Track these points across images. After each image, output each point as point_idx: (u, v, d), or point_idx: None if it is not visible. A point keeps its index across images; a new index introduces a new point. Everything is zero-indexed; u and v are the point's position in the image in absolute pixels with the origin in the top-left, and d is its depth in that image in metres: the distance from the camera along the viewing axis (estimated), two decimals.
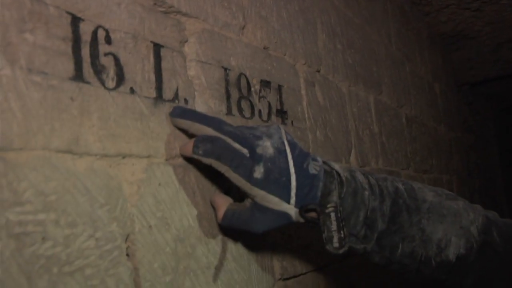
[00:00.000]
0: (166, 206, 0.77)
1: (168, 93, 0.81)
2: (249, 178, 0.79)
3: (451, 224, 0.95)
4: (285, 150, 0.84)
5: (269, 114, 1.09)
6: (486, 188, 4.11)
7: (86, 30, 0.67)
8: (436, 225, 0.94)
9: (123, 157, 0.70)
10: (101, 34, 0.69)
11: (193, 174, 0.85)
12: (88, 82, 0.66)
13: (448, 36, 2.99)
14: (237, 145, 0.80)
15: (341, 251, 0.89)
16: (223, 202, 0.88)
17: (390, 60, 2.03)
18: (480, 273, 0.95)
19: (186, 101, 0.85)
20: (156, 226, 0.74)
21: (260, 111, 1.06)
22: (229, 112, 0.96)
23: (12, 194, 0.55)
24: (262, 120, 1.06)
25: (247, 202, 0.85)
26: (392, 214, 0.93)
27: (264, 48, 1.13)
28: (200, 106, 0.88)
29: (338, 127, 1.45)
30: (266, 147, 0.82)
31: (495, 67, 3.57)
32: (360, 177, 0.93)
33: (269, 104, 1.10)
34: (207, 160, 0.79)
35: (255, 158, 0.80)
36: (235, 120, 0.97)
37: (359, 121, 1.61)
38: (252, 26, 1.09)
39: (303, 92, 1.28)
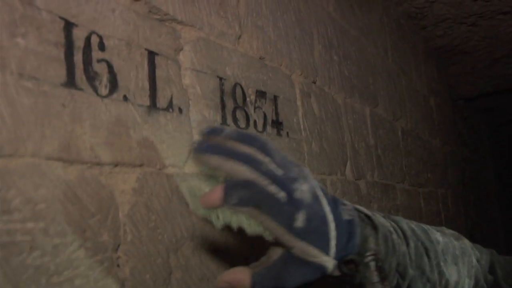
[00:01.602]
0: (158, 216, 0.75)
1: (162, 102, 0.80)
2: (290, 227, 0.70)
3: (463, 265, 0.94)
4: (319, 195, 0.74)
5: (264, 124, 1.08)
6: (481, 202, 4.11)
7: (79, 36, 0.66)
8: (452, 267, 0.91)
9: (115, 166, 0.69)
10: (94, 40, 0.68)
11: (187, 184, 0.84)
12: (80, 89, 0.65)
13: (444, 51, 3.00)
14: (273, 188, 0.69)
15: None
16: (242, 272, 0.75)
17: (386, 72, 2.03)
18: None
19: (180, 110, 0.84)
20: (148, 236, 0.73)
21: (255, 121, 1.05)
22: (223, 122, 0.95)
23: (0, 202, 0.53)
24: (258, 131, 1.05)
25: (274, 254, 0.75)
26: (417, 258, 0.88)
27: (260, 58, 1.12)
28: (194, 115, 0.87)
29: (333, 139, 1.45)
30: (304, 191, 0.71)
31: (490, 82, 3.58)
32: (384, 221, 0.85)
33: (265, 114, 1.09)
34: (243, 210, 0.69)
35: (295, 204, 0.70)
36: None
37: (354, 133, 1.61)
38: (248, 35, 1.09)
39: (298, 103, 1.27)
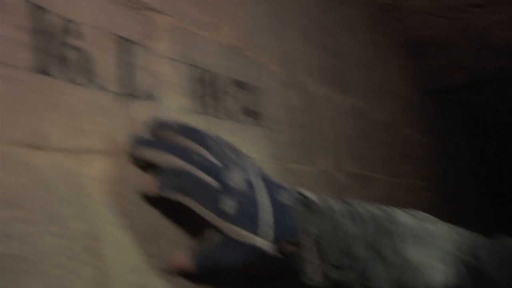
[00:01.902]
0: (134, 204, 0.75)
1: (136, 90, 0.79)
2: (222, 214, 0.76)
3: (435, 248, 0.91)
4: (255, 181, 0.81)
5: (241, 114, 1.08)
6: (458, 195, 4.17)
7: (50, 21, 0.65)
8: (420, 251, 0.89)
9: (89, 153, 0.68)
10: (66, 26, 0.67)
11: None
12: (52, 75, 0.63)
13: (420, 43, 3.03)
14: (206, 177, 0.76)
15: (324, 284, 0.85)
16: (184, 256, 0.81)
17: (364, 65, 2.04)
18: None
19: (155, 98, 0.83)
20: (125, 224, 0.72)
21: (232, 111, 1.04)
22: (200, 111, 0.94)
23: None
24: (235, 120, 1.05)
25: (215, 237, 0.80)
26: (374, 241, 0.90)
27: (237, 48, 1.12)
28: (169, 104, 0.86)
29: (311, 130, 1.45)
30: (237, 178, 0.78)
31: (466, 74, 3.61)
32: (336, 204, 0.89)
33: (242, 104, 1.08)
34: (175, 197, 0.75)
35: (227, 191, 0.76)
36: (207, 120, 0.96)
37: (333, 124, 1.61)
38: (226, 25, 1.08)
39: (276, 93, 1.27)
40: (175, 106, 0.87)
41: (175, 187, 0.74)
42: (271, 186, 0.83)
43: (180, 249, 0.82)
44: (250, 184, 0.79)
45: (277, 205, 0.81)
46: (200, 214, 0.76)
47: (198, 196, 0.75)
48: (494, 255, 0.91)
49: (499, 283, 0.89)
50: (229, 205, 0.76)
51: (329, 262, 0.85)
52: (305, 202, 0.86)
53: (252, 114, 1.12)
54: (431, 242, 0.89)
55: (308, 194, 0.87)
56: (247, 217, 0.78)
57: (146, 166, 0.76)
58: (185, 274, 0.81)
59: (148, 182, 0.74)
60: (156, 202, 0.77)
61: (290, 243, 0.82)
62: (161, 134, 0.77)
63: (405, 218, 0.92)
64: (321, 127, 1.54)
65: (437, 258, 0.88)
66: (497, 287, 0.88)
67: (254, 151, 1.10)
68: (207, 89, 0.97)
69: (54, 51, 0.64)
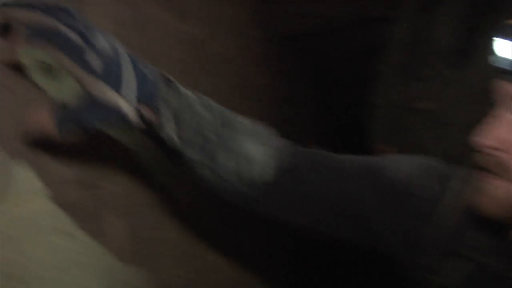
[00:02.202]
0: None
1: None
2: (87, 67, 0.78)
3: (256, 142, 1.03)
4: (120, 49, 0.84)
5: None
6: (299, 141, 4.38)
7: None
8: (255, 145, 1.01)
9: None
10: None
11: None
12: None
13: None
14: (72, 34, 0.77)
15: (180, 145, 0.92)
16: (45, 114, 0.84)
17: None
18: (288, 196, 1.04)
19: None
20: None
21: None
22: None
23: None
24: None
25: (78, 96, 0.82)
26: (223, 130, 0.99)
27: None
28: None
29: (140, 49, 1.43)
30: (103, 42, 0.80)
31: (312, 21, 3.73)
32: (190, 92, 0.97)
33: None
34: (42, 47, 0.75)
35: (92, 49, 0.78)
36: None
37: (165, 48, 1.60)
38: None
39: (104, 5, 1.23)
40: None
41: (41, 39, 0.75)
42: (135, 59, 0.87)
43: (40, 106, 0.82)
44: (115, 50, 0.82)
45: (140, 74, 0.86)
46: (66, 68, 0.78)
47: (65, 49, 0.77)
48: (309, 158, 1.06)
49: (312, 181, 1.03)
50: (94, 61, 0.79)
51: (184, 138, 0.93)
52: (166, 80, 0.92)
53: None
54: (265, 142, 1.03)
55: (169, 76, 0.94)
56: (111, 75, 0.81)
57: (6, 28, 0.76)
58: (46, 134, 0.83)
59: (14, 39, 0.76)
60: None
61: (150, 108, 0.88)
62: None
63: (243, 119, 1.05)
64: (151, 48, 1.52)
65: (269, 155, 1.02)
66: (309, 182, 1.03)
67: None
68: None
69: None
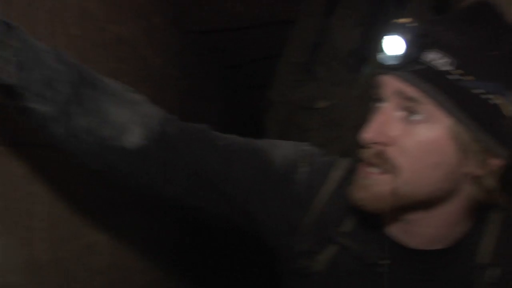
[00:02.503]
0: None
1: None
2: None
3: (132, 111, 0.98)
4: None
5: None
6: None
7: None
8: (115, 107, 0.96)
9: None
10: None
11: None
12: None
13: None
14: None
15: (22, 91, 0.88)
16: None
17: None
18: (160, 165, 1.00)
19: None
20: None
21: None
22: None
23: None
24: None
25: None
26: (79, 86, 0.94)
27: None
28: None
29: (24, 22, 1.37)
30: None
31: (221, 18, 3.74)
32: (39, 42, 0.92)
33: None
34: None
35: None
36: None
37: (52, 16, 1.52)
38: None
39: None
40: None
41: None
42: None
43: None
44: None
45: None
46: None
47: None
48: (184, 129, 1.03)
49: (183, 150, 1.00)
50: None
51: (28, 87, 0.88)
52: (7, 23, 0.87)
53: None
54: (131, 108, 0.98)
55: (12, 23, 0.88)
56: None
57: None
58: None
59: None
60: None
61: None
62: None
63: (111, 81, 1.00)
64: (49, 22, 1.46)
65: (134, 120, 0.97)
66: (180, 151, 1.00)
67: None
68: None
69: None
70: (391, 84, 0.84)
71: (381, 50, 0.83)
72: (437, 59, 0.79)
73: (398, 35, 0.81)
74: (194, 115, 4.02)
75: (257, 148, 1.05)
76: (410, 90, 0.81)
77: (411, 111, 0.83)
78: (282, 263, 1.06)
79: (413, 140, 0.83)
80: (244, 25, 3.90)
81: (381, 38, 0.84)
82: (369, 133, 0.84)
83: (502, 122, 0.82)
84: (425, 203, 0.88)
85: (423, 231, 0.92)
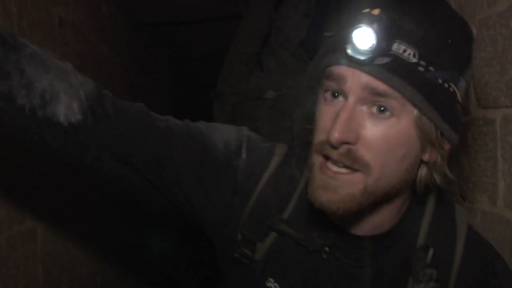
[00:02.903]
0: None
1: None
2: None
3: (59, 79, 0.89)
4: None
5: None
6: None
7: None
8: (40, 73, 0.87)
9: None
10: None
11: None
12: None
13: None
14: None
15: None
16: None
17: None
18: (96, 143, 0.92)
19: None
20: None
21: None
22: None
23: None
24: None
25: None
26: (17, 58, 0.85)
27: None
28: None
29: None
30: None
31: (172, 10, 3.70)
32: None
33: None
34: None
35: None
36: None
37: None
38: None
39: None
40: None
41: None
42: None
43: None
44: None
45: None
46: None
47: None
48: (116, 104, 0.96)
49: (121, 128, 0.94)
50: None
51: None
52: None
53: None
54: (55, 72, 0.90)
55: None
56: None
57: None
58: None
59: None
60: None
61: None
62: None
63: (39, 49, 0.91)
64: None
65: (60, 88, 0.89)
66: (118, 130, 0.94)
67: None
68: None
69: None
70: (357, 78, 0.80)
71: (349, 42, 0.79)
72: (403, 51, 0.78)
73: (368, 27, 0.77)
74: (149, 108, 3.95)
75: (197, 132, 1.00)
76: (379, 85, 0.79)
77: (379, 106, 0.80)
78: (223, 252, 1.03)
79: (382, 135, 0.81)
80: (195, 19, 3.88)
81: (349, 29, 0.79)
82: (338, 133, 0.80)
83: (456, 108, 0.83)
84: (386, 196, 0.88)
85: (370, 220, 0.92)
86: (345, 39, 0.80)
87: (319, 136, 0.85)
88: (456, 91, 0.83)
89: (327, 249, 0.93)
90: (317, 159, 0.85)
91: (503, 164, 1.33)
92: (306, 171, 0.93)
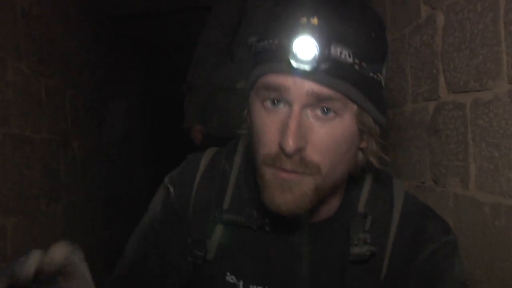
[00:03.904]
0: None
1: None
2: None
3: None
4: None
5: None
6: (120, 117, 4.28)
7: None
8: None
9: None
10: None
11: None
12: None
13: None
14: None
15: None
16: None
17: None
18: None
19: None
20: None
21: None
22: None
23: None
24: None
25: None
26: None
27: None
28: None
29: None
30: None
31: (139, 2, 3.66)
32: None
33: None
34: None
35: None
36: None
37: None
38: None
39: None
40: None
41: None
42: None
43: None
44: None
45: None
46: None
47: None
48: None
49: None
50: None
51: None
52: None
53: None
54: None
55: None
56: None
57: None
58: None
59: None
60: None
61: None
62: None
63: None
64: None
65: None
66: None
67: None
68: None
69: None
70: (300, 85, 0.80)
71: (290, 52, 0.79)
72: (339, 53, 0.80)
73: (310, 36, 0.78)
74: (112, 103, 3.91)
75: (146, 235, 1.04)
76: (324, 90, 0.80)
77: (324, 109, 0.82)
78: (185, 269, 1.04)
79: (329, 136, 0.83)
80: (162, 11, 3.84)
81: (288, 39, 0.79)
82: (293, 143, 0.80)
83: (383, 94, 0.88)
84: (333, 189, 0.90)
85: (317, 211, 0.93)
86: (285, 49, 0.80)
87: (266, 149, 0.85)
88: (382, 79, 0.87)
89: (267, 220, 0.95)
90: (268, 171, 0.85)
91: (473, 147, 1.35)
92: (237, 160, 0.99)
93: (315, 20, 0.80)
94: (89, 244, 2.80)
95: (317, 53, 0.78)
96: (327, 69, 0.79)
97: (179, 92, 2.67)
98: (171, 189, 1.03)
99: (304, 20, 0.80)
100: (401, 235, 0.95)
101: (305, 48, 0.78)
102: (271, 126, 0.84)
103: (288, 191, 0.84)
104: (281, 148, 0.81)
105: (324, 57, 0.79)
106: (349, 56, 0.80)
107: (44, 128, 2.15)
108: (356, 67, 0.81)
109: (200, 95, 2.40)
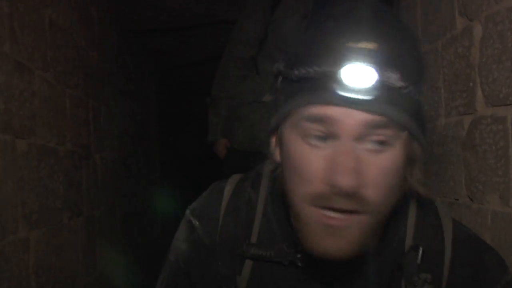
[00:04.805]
0: None
1: None
2: None
3: None
4: None
5: None
6: (141, 137, 4.30)
7: None
8: None
9: None
10: None
11: None
12: None
13: None
14: None
15: None
16: None
17: None
18: None
19: None
20: None
21: None
22: None
23: None
24: None
25: None
26: None
27: None
28: None
29: None
30: None
31: (159, 16, 3.67)
32: None
33: None
34: None
35: None
36: None
37: None
38: None
39: None
40: None
41: None
42: None
43: None
44: None
45: None
46: None
47: None
48: None
49: None
50: None
51: None
52: None
53: None
54: None
55: None
56: None
57: None
58: None
59: None
60: None
61: None
62: None
63: None
64: None
65: None
66: None
67: None
68: None
69: None
70: (352, 117, 0.73)
71: (341, 81, 0.72)
72: (389, 77, 0.73)
73: (368, 64, 0.71)
74: (131, 114, 3.92)
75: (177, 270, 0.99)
76: (376, 118, 0.73)
77: (377, 141, 0.75)
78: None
79: (382, 169, 0.76)
80: (184, 25, 3.85)
81: (338, 66, 0.72)
82: (351, 180, 0.73)
83: (425, 115, 0.82)
84: (381, 224, 0.83)
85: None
86: (333, 77, 0.73)
87: (311, 187, 0.77)
88: (422, 99, 0.81)
89: (299, 256, 0.88)
90: (311, 211, 0.78)
91: None
92: (263, 189, 0.93)
93: (371, 45, 0.73)
94: (107, 258, 2.77)
95: (375, 80, 0.72)
96: (379, 96, 0.73)
97: (200, 106, 2.65)
98: (196, 223, 0.96)
99: (357, 45, 0.73)
100: (456, 268, 0.88)
101: (360, 76, 0.72)
102: (316, 162, 0.76)
103: (340, 237, 0.77)
104: (334, 186, 0.74)
105: (380, 84, 0.73)
106: (399, 79, 0.74)
107: (67, 140, 2.14)
108: (405, 90, 0.75)
109: (224, 109, 2.37)
